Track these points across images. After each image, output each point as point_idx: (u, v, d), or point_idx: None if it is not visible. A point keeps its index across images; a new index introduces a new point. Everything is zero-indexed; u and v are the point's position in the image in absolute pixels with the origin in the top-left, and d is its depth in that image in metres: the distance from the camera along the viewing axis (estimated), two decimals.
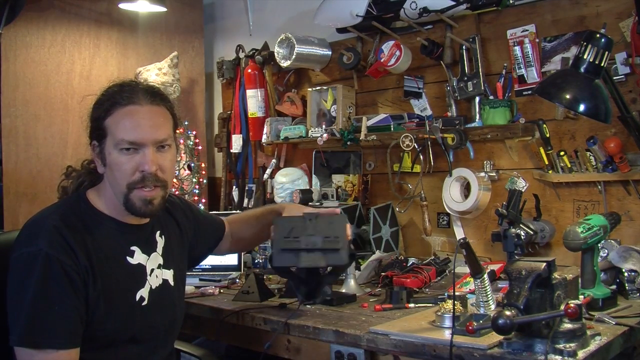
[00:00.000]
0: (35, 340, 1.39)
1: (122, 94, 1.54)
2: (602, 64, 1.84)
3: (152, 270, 1.64)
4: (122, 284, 1.55)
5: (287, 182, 2.91)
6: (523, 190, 2.08)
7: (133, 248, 1.61)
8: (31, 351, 1.39)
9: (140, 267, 1.61)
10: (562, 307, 1.39)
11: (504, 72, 2.46)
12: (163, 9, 3.20)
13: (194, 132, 3.30)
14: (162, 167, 1.55)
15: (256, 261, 2.83)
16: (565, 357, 1.40)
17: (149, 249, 1.65)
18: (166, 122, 1.59)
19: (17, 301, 1.43)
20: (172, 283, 1.70)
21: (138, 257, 1.61)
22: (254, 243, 2.38)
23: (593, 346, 1.48)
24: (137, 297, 1.58)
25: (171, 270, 1.70)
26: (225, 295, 2.29)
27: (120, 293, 1.54)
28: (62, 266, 1.43)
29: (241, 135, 3.36)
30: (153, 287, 1.63)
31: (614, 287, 1.98)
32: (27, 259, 1.43)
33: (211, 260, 2.55)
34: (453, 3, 2.46)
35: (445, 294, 1.87)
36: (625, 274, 2.01)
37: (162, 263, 1.68)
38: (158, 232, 1.70)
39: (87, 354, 1.46)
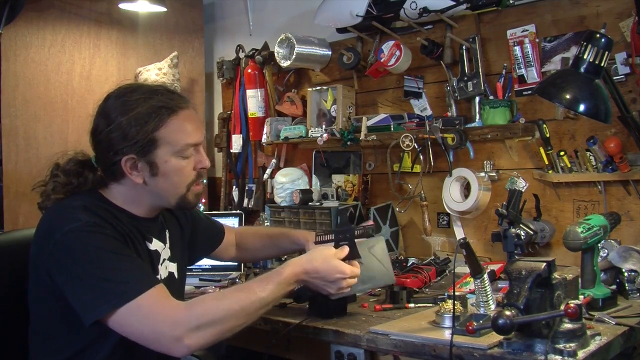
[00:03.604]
0: (124, 295, 1.37)
1: (167, 102, 1.54)
2: (602, 64, 1.84)
3: (164, 260, 1.67)
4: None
5: (287, 182, 2.91)
6: (523, 190, 2.08)
7: (151, 236, 1.63)
8: (127, 307, 1.36)
9: (157, 254, 1.64)
10: (562, 307, 1.39)
11: (504, 72, 2.46)
12: (163, 9, 3.20)
13: None
14: None
15: None
16: (565, 357, 1.40)
17: (163, 240, 1.68)
18: None
19: (88, 272, 1.40)
20: (176, 276, 1.72)
21: (156, 244, 1.64)
22: (258, 257, 2.41)
23: (593, 346, 1.48)
24: None
25: (175, 264, 1.73)
26: None
27: None
28: (111, 231, 1.47)
29: (241, 135, 3.36)
30: (162, 276, 1.65)
31: (614, 287, 1.98)
32: (78, 232, 1.42)
33: (211, 260, 2.55)
34: (453, 3, 2.46)
35: (445, 294, 1.87)
36: (625, 274, 2.01)
37: (170, 255, 1.71)
38: (165, 226, 1.73)
39: (90, 336, 1.45)
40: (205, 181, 3.26)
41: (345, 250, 1.69)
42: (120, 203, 1.59)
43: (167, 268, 1.68)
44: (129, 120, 1.50)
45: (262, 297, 1.48)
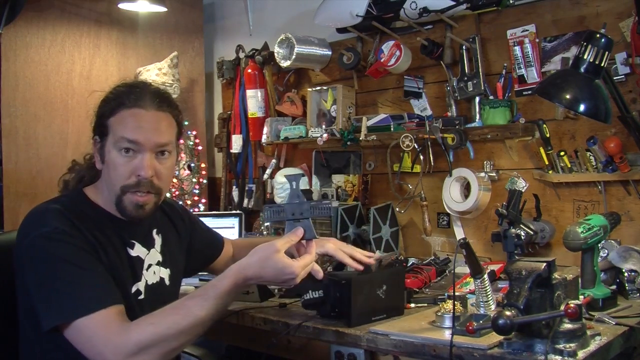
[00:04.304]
0: (86, 306, 1.37)
1: (129, 96, 1.55)
2: (602, 64, 1.84)
3: (150, 265, 1.65)
4: (121, 275, 1.55)
5: (287, 182, 2.90)
6: (523, 190, 2.08)
7: (133, 241, 1.62)
8: (83, 320, 1.37)
9: (139, 260, 1.62)
10: (562, 307, 1.39)
11: (504, 72, 2.46)
12: (163, 9, 3.20)
13: (194, 132, 3.30)
14: (159, 174, 1.56)
15: None
16: (565, 357, 1.40)
17: (148, 245, 1.66)
18: (169, 129, 1.59)
19: (47, 280, 1.41)
20: (167, 282, 1.70)
21: (138, 249, 1.62)
22: None
23: (593, 346, 1.48)
24: (134, 290, 1.58)
25: (168, 270, 1.71)
26: None
27: (120, 283, 1.53)
28: (79, 240, 1.45)
29: (241, 135, 3.36)
30: (149, 282, 1.63)
31: (614, 287, 1.98)
32: (44, 239, 1.43)
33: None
34: (453, 3, 2.46)
35: (445, 294, 1.87)
36: (625, 274, 2.01)
37: (160, 260, 1.68)
38: (155, 230, 1.71)
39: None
40: (205, 181, 3.30)
41: (298, 233, 1.56)
42: (102, 203, 1.59)
43: (155, 273, 1.66)
44: (100, 103, 1.58)
45: (200, 316, 1.41)
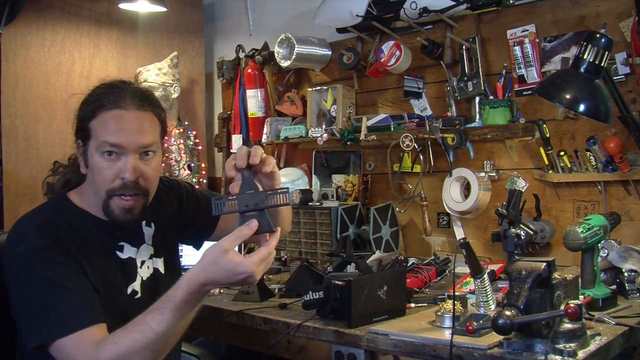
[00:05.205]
0: (64, 327, 1.37)
1: (108, 97, 1.51)
2: (602, 64, 1.84)
3: (143, 262, 1.63)
4: (113, 279, 1.54)
5: (287, 182, 2.91)
6: (523, 190, 2.08)
7: (122, 243, 1.60)
8: (65, 340, 1.36)
9: (131, 261, 1.61)
10: (562, 307, 1.39)
11: (504, 72, 2.46)
12: (163, 9, 3.20)
13: (194, 132, 3.30)
14: (145, 175, 1.53)
15: None
16: (565, 357, 1.40)
17: (137, 242, 1.64)
18: (152, 128, 1.55)
19: (28, 300, 1.40)
20: (162, 271, 1.68)
21: (128, 251, 1.61)
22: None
23: (593, 346, 1.48)
24: (129, 291, 1.58)
25: (162, 258, 1.69)
26: (225, 295, 2.28)
27: (112, 288, 1.53)
28: (61, 256, 1.44)
29: (241, 135, 3.36)
30: (144, 278, 1.62)
31: (614, 287, 1.98)
32: (25, 257, 1.42)
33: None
34: (453, 3, 2.46)
35: (445, 294, 1.87)
36: (625, 274, 2.01)
37: (153, 253, 1.67)
38: (144, 223, 1.67)
39: None
40: (205, 181, 3.29)
41: (252, 226, 1.35)
42: (87, 206, 1.57)
43: (149, 267, 1.64)
44: (79, 106, 1.55)
45: (159, 330, 1.34)
